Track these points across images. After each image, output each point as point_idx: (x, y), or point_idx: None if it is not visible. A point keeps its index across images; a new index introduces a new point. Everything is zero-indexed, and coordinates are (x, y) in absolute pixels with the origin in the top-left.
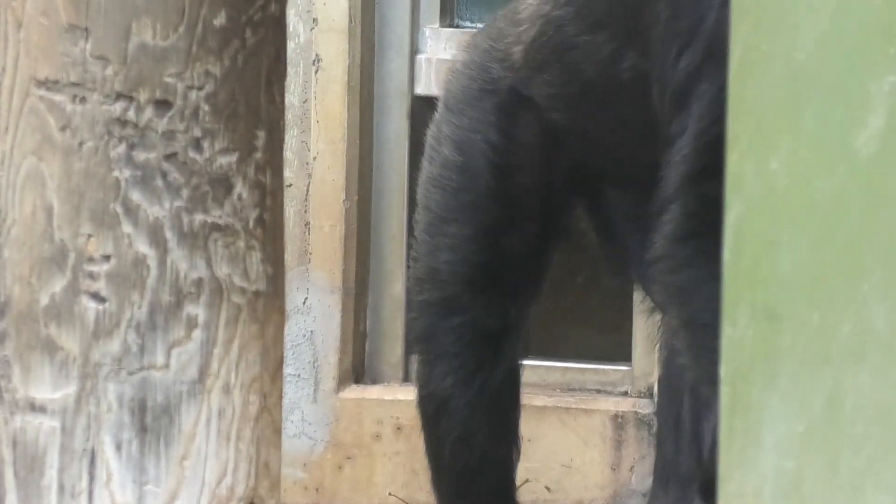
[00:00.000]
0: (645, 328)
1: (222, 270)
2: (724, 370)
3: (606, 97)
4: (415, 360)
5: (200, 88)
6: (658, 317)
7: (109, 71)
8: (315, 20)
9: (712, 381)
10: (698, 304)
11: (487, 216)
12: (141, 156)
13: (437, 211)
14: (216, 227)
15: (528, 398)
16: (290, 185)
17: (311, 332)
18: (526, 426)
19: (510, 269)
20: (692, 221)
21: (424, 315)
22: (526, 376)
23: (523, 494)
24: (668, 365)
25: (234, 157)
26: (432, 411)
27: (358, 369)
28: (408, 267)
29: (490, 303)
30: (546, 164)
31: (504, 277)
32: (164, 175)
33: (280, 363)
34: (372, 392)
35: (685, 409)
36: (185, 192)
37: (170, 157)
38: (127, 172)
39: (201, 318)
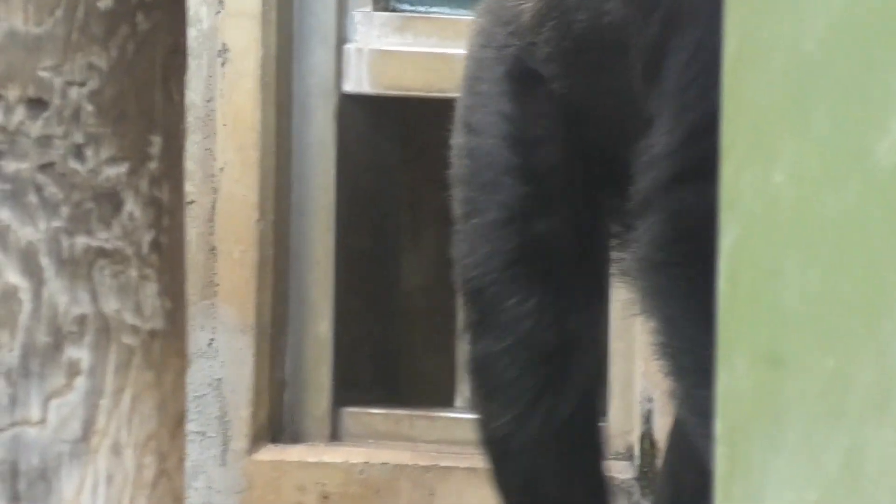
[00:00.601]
0: (623, 375)
1: (110, 305)
2: (720, 426)
3: (594, 53)
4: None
5: (82, 84)
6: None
7: None
8: (221, 2)
9: (690, 389)
10: (679, 307)
11: (511, 195)
12: (10, 166)
13: (461, 204)
14: (102, 253)
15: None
16: (192, 202)
17: (219, 379)
18: (479, 494)
19: (554, 264)
20: (671, 233)
21: (468, 336)
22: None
23: None
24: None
25: (123, 168)
26: (493, 455)
27: (275, 425)
28: (335, 301)
29: (541, 310)
30: (567, 140)
31: (549, 274)
32: (39, 189)
33: (181, 418)
34: (292, 453)
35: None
36: (64, 211)
37: (45, 167)
38: None
39: (85, 363)
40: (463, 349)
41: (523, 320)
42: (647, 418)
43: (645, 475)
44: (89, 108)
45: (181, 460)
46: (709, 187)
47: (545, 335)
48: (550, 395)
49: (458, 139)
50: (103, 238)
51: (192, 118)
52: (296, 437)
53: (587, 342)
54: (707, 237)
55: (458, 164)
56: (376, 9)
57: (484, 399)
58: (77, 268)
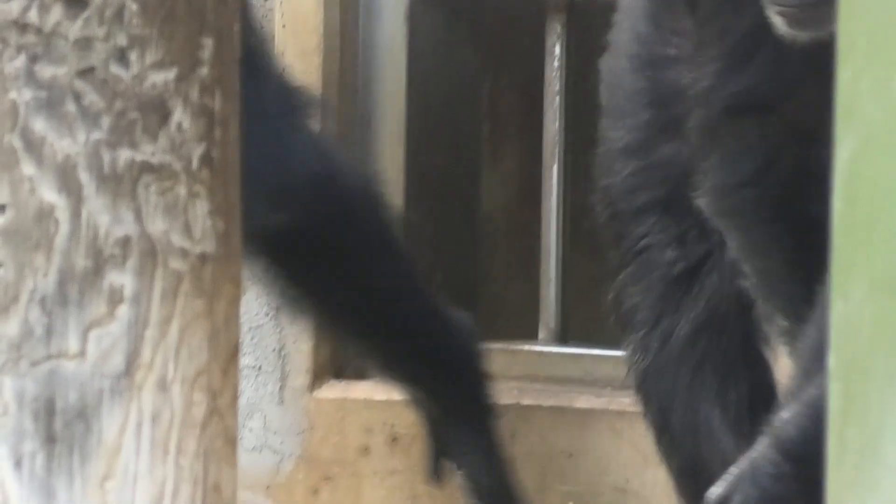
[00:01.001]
0: None
1: (157, 226)
2: (834, 360)
3: None
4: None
5: None
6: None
7: None
8: None
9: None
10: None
11: (637, 118)
12: (46, 71)
13: (601, 127)
14: (148, 168)
15: (568, 398)
16: None
17: (278, 308)
18: (566, 435)
19: (677, 189)
20: (734, 170)
21: (614, 270)
22: (566, 369)
23: None
24: None
25: (171, 74)
26: (635, 388)
27: (339, 360)
28: (406, 224)
29: (663, 235)
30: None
31: (672, 200)
32: (78, 98)
33: (235, 351)
34: (358, 390)
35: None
36: (105, 121)
37: (85, 73)
38: (27, 94)
39: (129, 290)
40: (548, 277)
41: (647, 247)
42: None
43: None
44: (134, 6)
45: (235, 398)
46: (767, 115)
47: (667, 258)
48: (669, 317)
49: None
50: (149, 151)
51: None
52: (362, 373)
53: (712, 264)
54: (778, 166)
55: (601, 85)
56: None
57: (620, 327)
58: (120, 184)
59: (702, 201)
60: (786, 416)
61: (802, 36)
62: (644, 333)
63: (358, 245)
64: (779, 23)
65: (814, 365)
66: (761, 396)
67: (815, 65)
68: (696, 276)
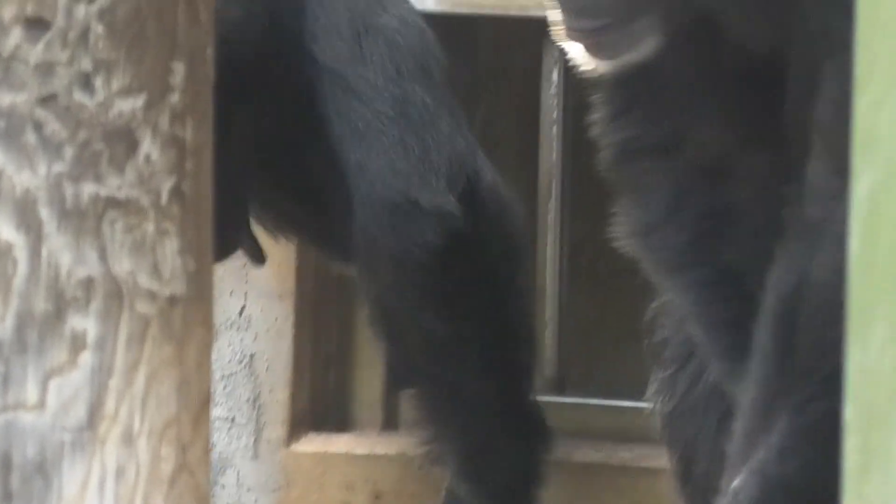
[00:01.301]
0: None
1: (122, 266)
2: (851, 411)
3: None
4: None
5: (91, 1)
6: None
7: None
8: None
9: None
10: None
11: None
12: (5, 99)
13: None
14: (114, 203)
15: (565, 451)
16: None
17: (252, 355)
18: (564, 491)
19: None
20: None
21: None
22: (564, 419)
23: None
24: None
25: (139, 101)
26: (661, 428)
27: (318, 410)
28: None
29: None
30: None
31: None
32: (39, 127)
33: (206, 401)
34: (339, 443)
35: None
36: (68, 152)
37: (46, 100)
38: None
39: (92, 335)
40: (545, 321)
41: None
42: None
43: None
44: (99, 28)
45: (206, 452)
46: (664, 157)
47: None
48: (699, 358)
49: None
50: (115, 185)
51: None
52: (343, 425)
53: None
54: (686, 209)
55: None
56: None
57: (649, 357)
58: (83, 221)
59: (622, 244)
60: (737, 485)
61: (610, 65)
62: (671, 373)
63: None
64: (579, 54)
65: (758, 424)
66: None
67: (713, 101)
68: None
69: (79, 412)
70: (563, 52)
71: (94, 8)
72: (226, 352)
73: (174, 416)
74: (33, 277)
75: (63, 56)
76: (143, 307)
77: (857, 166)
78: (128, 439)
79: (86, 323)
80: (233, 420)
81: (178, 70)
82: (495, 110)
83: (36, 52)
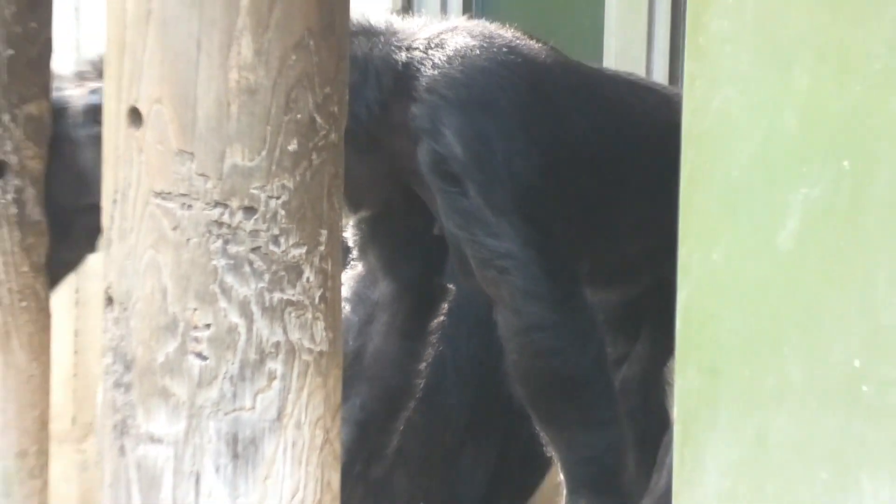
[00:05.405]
0: None
1: (295, 336)
2: (677, 413)
3: None
4: None
5: (278, 198)
6: None
7: (209, 185)
8: None
9: None
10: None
11: None
12: (233, 249)
13: None
14: (290, 303)
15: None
16: None
17: None
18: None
19: None
20: None
21: None
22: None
23: None
24: None
25: (303, 250)
26: None
27: None
28: None
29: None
30: None
31: None
32: (251, 263)
33: (339, 405)
34: None
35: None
36: (266, 276)
37: (255, 249)
38: (223, 261)
39: (279, 372)
40: None
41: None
42: None
43: None
44: (282, 212)
45: (339, 433)
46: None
47: None
48: None
49: None
50: (291, 294)
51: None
52: None
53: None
54: None
55: None
56: None
57: None
58: (274, 312)
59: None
60: None
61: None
62: None
63: None
64: None
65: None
66: None
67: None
68: None
69: (272, 412)
70: None
71: (279, 202)
72: None
73: (322, 414)
74: (248, 342)
75: (263, 226)
76: (305, 357)
77: (680, 283)
78: (298, 426)
79: (276, 365)
80: None
81: (324, 234)
82: None
83: (249, 225)
